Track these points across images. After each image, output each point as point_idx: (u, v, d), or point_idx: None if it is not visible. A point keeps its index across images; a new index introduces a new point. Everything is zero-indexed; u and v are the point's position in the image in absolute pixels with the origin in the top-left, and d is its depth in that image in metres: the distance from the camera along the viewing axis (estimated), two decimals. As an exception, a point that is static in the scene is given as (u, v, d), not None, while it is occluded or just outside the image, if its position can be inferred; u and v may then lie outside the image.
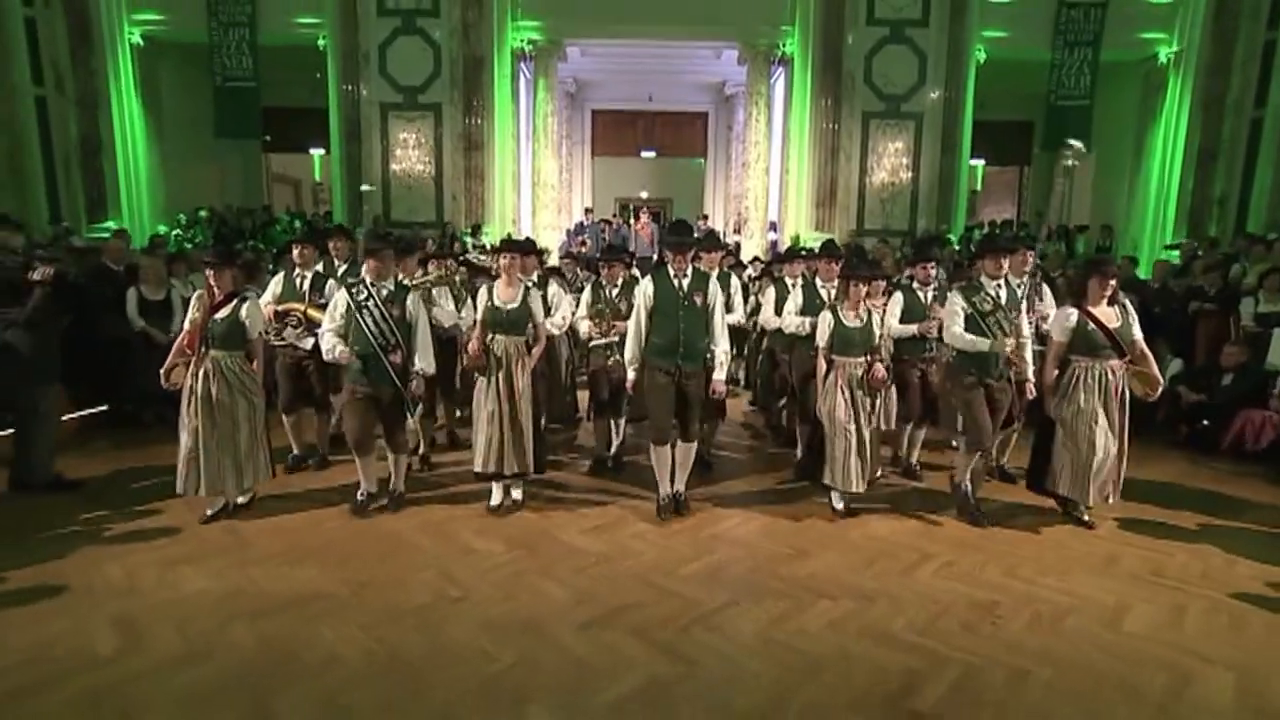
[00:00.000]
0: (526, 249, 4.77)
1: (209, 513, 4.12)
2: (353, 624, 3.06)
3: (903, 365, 4.87)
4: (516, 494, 4.43)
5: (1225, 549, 3.93)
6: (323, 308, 4.53)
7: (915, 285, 5.02)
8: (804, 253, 6.11)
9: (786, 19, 11.94)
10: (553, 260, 8.72)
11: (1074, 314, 4.07)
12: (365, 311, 4.09)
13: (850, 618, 3.18)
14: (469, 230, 11.63)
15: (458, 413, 5.70)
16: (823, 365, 4.29)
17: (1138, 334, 4.08)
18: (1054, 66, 11.85)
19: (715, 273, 5.03)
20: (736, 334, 5.78)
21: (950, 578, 3.58)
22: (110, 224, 10.99)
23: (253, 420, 4.14)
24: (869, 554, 3.83)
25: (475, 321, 4.31)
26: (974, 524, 4.17)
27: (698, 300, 4.11)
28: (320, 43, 11.75)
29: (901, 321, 4.83)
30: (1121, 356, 4.01)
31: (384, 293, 4.16)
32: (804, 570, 3.64)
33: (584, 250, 11.34)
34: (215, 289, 4.09)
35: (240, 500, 4.26)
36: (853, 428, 4.15)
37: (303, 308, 4.82)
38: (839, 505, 4.29)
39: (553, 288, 5.05)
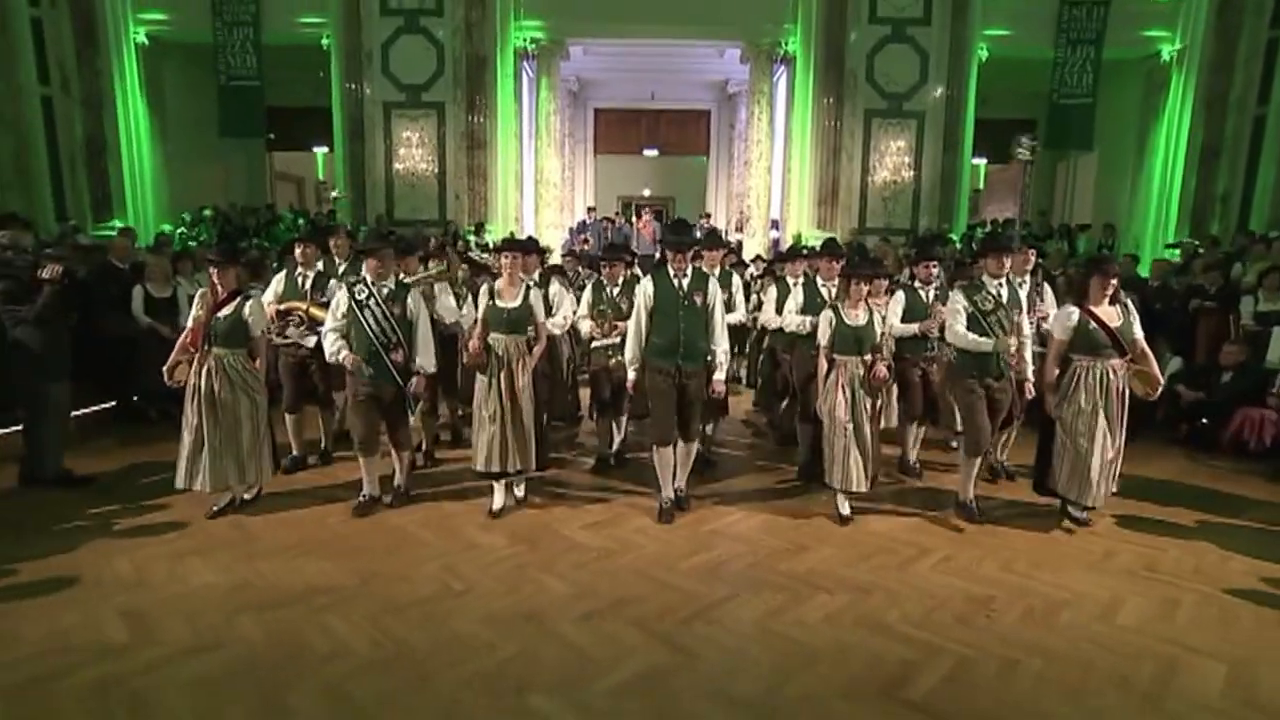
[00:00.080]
0: (528, 248, 4.79)
1: (215, 508, 4.18)
2: (358, 616, 3.12)
3: (904, 364, 4.88)
4: (519, 490, 4.48)
5: (1220, 545, 3.97)
6: (325, 306, 4.57)
7: (917, 284, 5.03)
8: (805, 251, 6.12)
9: (788, 17, 11.96)
10: (555, 259, 8.76)
11: (1075, 313, 4.06)
12: (366, 310, 4.13)
13: (847, 610, 3.23)
14: (472, 229, 11.68)
15: (460, 410, 5.75)
16: (824, 364, 4.29)
17: (1139, 333, 4.08)
18: (1056, 65, 11.86)
19: (716, 272, 5.07)
20: (737, 332, 5.82)
21: (947, 572, 3.63)
22: (115, 223, 11.08)
23: (255, 418, 4.18)
24: (867, 549, 3.88)
25: (476, 320, 4.35)
26: (970, 520, 4.20)
27: (698, 300, 4.13)
28: (324, 42, 11.81)
29: (903, 320, 4.83)
30: (1122, 355, 4.01)
31: (385, 291, 4.19)
32: (802, 565, 3.69)
33: (587, 248, 11.38)
34: (219, 287, 4.14)
35: (246, 496, 4.33)
36: (852, 427, 4.15)
37: (305, 306, 4.86)
38: (845, 510, 4.24)
39: (554, 286, 5.06)
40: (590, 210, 14.45)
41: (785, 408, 5.71)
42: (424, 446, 5.24)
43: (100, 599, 3.24)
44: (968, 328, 4.18)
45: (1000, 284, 4.23)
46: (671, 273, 4.15)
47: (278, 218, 12.70)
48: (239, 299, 4.16)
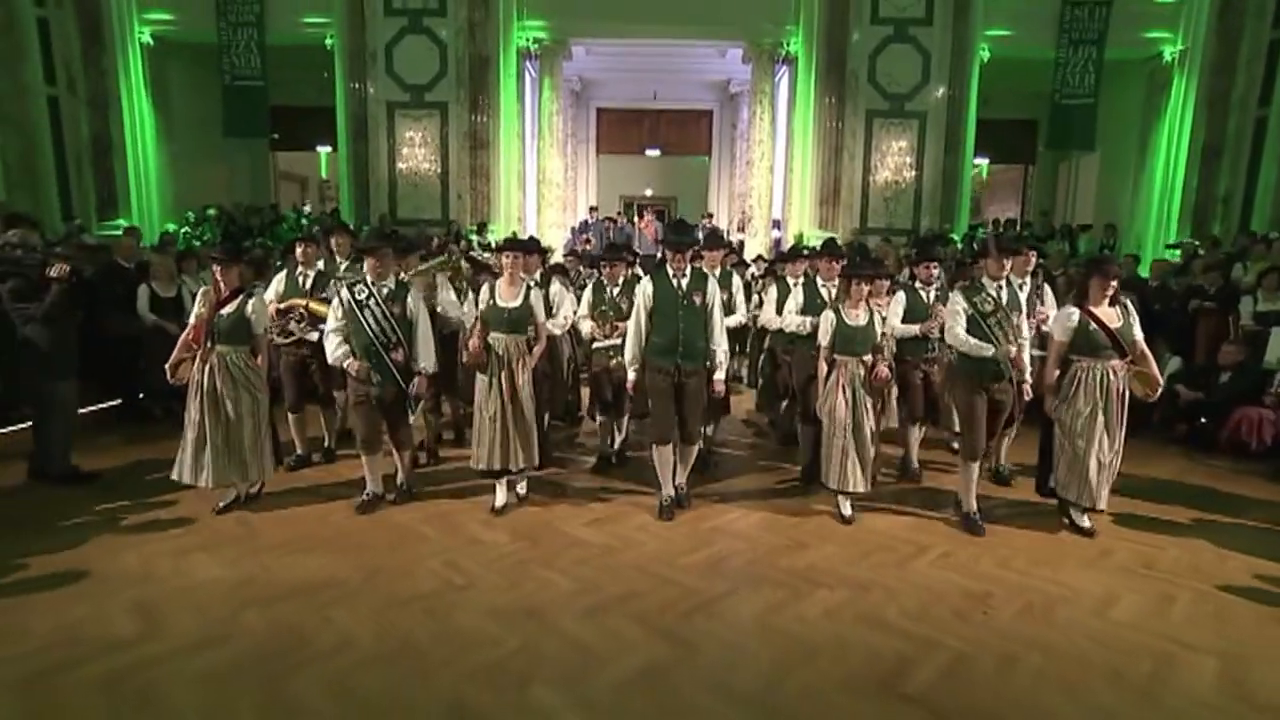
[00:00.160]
0: (528, 248, 4.81)
1: (222, 504, 4.23)
2: (363, 610, 3.16)
3: (905, 366, 4.88)
4: (521, 488, 4.51)
5: (1218, 544, 4.00)
6: (326, 301, 4.60)
7: (917, 285, 5.03)
8: (806, 251, 6.13)
9: (790, 18, 11.98)
10: (557, 258, 8.79)
11: (1075, 314, 4.06)
12: (366, 310, 4.15)
13: (846, 606, 3.26)
14: (475, 228, 11.73)
15: (462, 409, 5.77)
16: (824, 365, 4.30)
17: (1138, 334, 4.09)
18: (1058, 65, 11.87)
19: (716, 272, 5.09)
20: (738, 332, 5.83)
21: (945, 569, 3.66)
22: (121, 222, 11.13)
23: (256, 415, 4.21)
24: (866, 547, 3.91)
25: (477, 318, 4.36)
26: (974, 534, 4.10)
27: (697, 300, 4.15)
28: (328, 42, 11.86)
29: (904, 321, 4.83)
30: (1123, 356, 4.02)
31: (384, 291, 4.21)
32: (802, 562, 3.72)
33: (588, 248, 11.42)
34: (222, 285, 4.17)
35: (251, 491, 4.37)
36: (852, 428, 4.16)
37: (305, 302, 4.88)
38: (847, 511, 4.26)
39: (555, 286, 5.06)
40: (592, 210, 14.49)
41: (785, 408, 5.73)
42: (426, 445, 5.27)
43: (108, 593, 3.28)
44: (968, 330, 4.16)
45: (1000, 285, 4.20)
46: (671, 273, 4.17)
47: (281, 217, 12.75)
48: (242, 297, 4.20)
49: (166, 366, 4.19)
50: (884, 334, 4.36)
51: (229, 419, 4.10)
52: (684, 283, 4.16)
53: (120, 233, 9.32)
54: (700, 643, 2.96)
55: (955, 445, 5.28)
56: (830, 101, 11.86)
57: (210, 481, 4.10)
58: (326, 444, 5.28)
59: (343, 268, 5.19)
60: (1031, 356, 4.38)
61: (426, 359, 4.32)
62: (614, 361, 4.81)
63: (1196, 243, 9.87)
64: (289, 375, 5.00)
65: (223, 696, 2.61)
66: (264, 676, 2.71)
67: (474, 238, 11.25)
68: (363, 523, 4.15)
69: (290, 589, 3.35)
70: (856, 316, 4.24)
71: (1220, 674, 2.77)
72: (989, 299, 4.17)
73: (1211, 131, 11.28)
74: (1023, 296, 4.41)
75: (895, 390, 5.09)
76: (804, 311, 4.90)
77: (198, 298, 4.28)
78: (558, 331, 5.02)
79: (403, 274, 4.58)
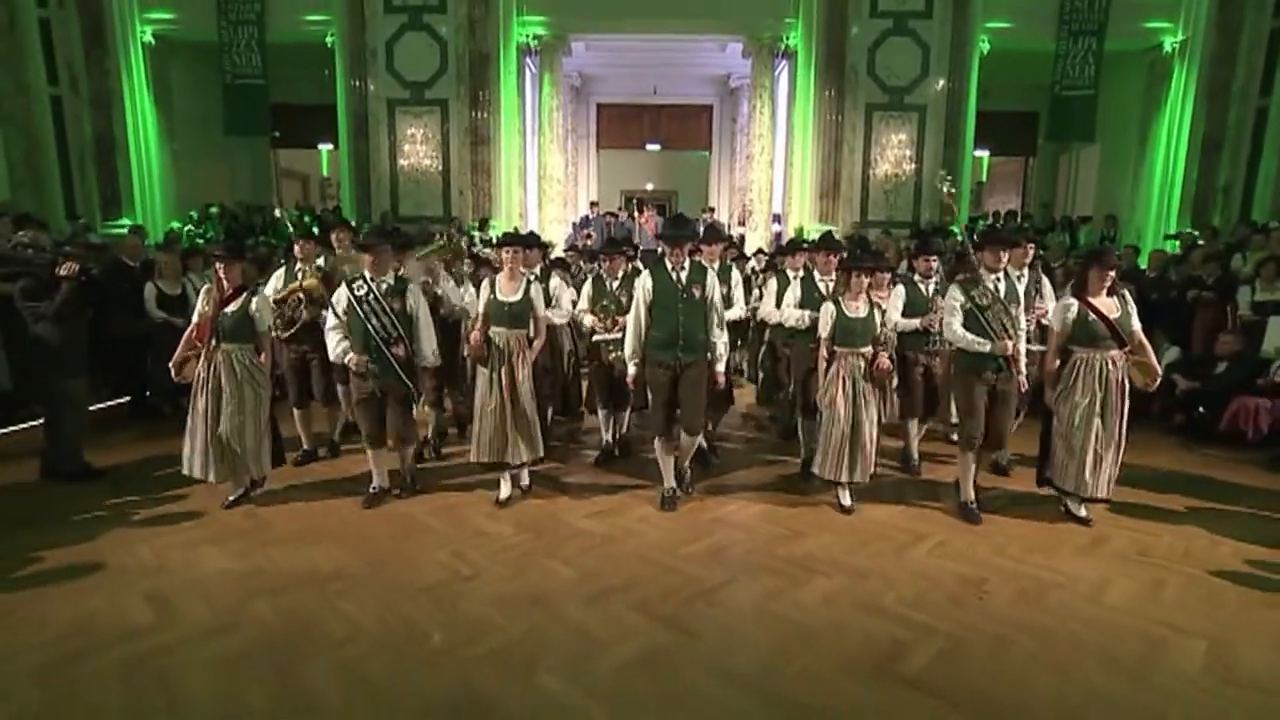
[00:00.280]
0: (528, 242, 4.86)
1: (231, 499, 4.30)
2: (370, 600, 3.23)
3: (905, 360, 4.90)
4: (524, 480, 4.58)
5: (1211, 530, 4.06)
6: (319, 274, 4.59)
7: (917, 278, 5.04)
8: (805, 245, 6.16)
9: (790, 12, 11.98)
10: (557, 253, 8.84)
11: (1074, 305, 4.08)
12: (365, 306, 4.19)
13: (844, 592, 3.33)
14: (476, 224, 11.78)
15: (464, 403, 5.82)
16: (825, 356, 4.32)
17: (1137, 324, 4.11)
18: (1058, 57, 11.85)
19: (716, 265, 5.13)
20: (738, 325, 5.87)
21: (942, 557, 3.72)
22: (125, 221, 11.20)
23: (259, 412, 4.26)
24: (864, 536, 3.97)
25: (478, 312, 4.41)
26: (972, 523, 4.15)
27: (696, 293, 4.19)
28: (328, 40, 11.89)
29: (903, 315, 4.86)
30: (1122, 347, 4.05)
31: (384, 287, 4.25)
32: (801, 550, 3.79)
33: (589, 243, 11.46)
34: (225, 282, 4.22)
35: (251, 492, 4.43)
36: (852, 420, 4.20)
37: (298, 284, 4.87)
38: (846, 501, 4.32)
39: (555, 281, 5.12)
40: (593, 205, 14.53)
41: (786, 401, 5.78)
42: (430, 439, 5.34)
43: (122, 585, 3.36)
44: (966, 323, 4.16)
45: (998, 278, 4.21)
46: (670, 266, 4.21)
47: (276, 220, 12.73)
48: (245, 294, 4.24)
49: (171, 365, 4.25)
50: (884, 326, 4.37)
51: (232, 416, 4.15)
52: (683, 276, 4.20)
53: (125, 231, 9.38)
54: (701, 629, 3.03)
55: (954, 436, 5.32)
56: (830, 95, 11.87)
57: (213, 476, 4.17)
58: (332, 439, 5.35)
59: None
60: (1030, 351, 4.39)
61: (428, 353, 4.37)
62: (614, 355, 4.85)
63: (1195, 233, 9.89)
64: (291, 372, 5.06)
65: (235, 682, 2.68)
66: (274, 663, 2.78)
67: (475, 234, 11.30)
68: (369, 516, 4.23)
69: (298, 580, 3.42)
70: (856, 309, 4.27)
71: (1209, 655, 2.84)
72: (987, 292, 4.17)
73: (1212, 122, 11.26)
74: (1020, 289, 4.43)
75: (895, 382, 5.14)
76: (802, 305, 4.91)
77: (201, 296, 4.32)
78: (559, 321, 5.05)
79: (401, 269, 4.61)
